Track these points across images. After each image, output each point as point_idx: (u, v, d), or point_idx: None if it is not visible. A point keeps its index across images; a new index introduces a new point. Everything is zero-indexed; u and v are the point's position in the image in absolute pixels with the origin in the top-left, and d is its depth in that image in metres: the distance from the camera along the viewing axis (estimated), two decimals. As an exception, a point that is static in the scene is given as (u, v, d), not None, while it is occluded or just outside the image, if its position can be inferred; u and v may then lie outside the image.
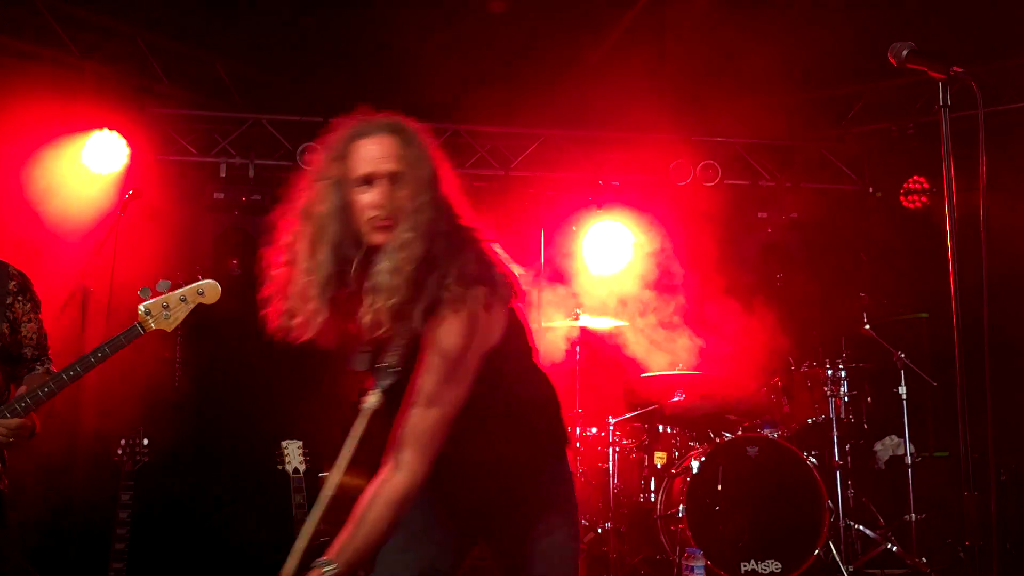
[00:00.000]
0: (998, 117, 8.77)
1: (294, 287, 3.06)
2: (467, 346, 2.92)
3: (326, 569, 2.83)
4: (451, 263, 2.95)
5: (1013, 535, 7.60)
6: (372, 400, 2.94)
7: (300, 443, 5.87)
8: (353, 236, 3.01)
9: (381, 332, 2.95)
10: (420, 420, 2.91)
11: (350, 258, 3.01)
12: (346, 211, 3.00)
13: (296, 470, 5.75)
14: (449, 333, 2.90)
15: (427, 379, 2.91)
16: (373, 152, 3.03)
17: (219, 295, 4.44)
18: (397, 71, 8.77)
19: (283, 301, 3.10)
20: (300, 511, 5.59)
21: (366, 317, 2.94)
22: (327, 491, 2.89)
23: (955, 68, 2.82)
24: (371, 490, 2.95)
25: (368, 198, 2.98)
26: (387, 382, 2.97)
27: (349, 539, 2.90)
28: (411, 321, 2.92)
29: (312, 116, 9.23)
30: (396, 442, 2.93)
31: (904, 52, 2.95)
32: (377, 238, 2.97)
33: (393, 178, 3.00)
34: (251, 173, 9.20)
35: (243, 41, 8.56)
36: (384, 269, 2.90)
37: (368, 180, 3.00)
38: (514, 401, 3.15)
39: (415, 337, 2.94)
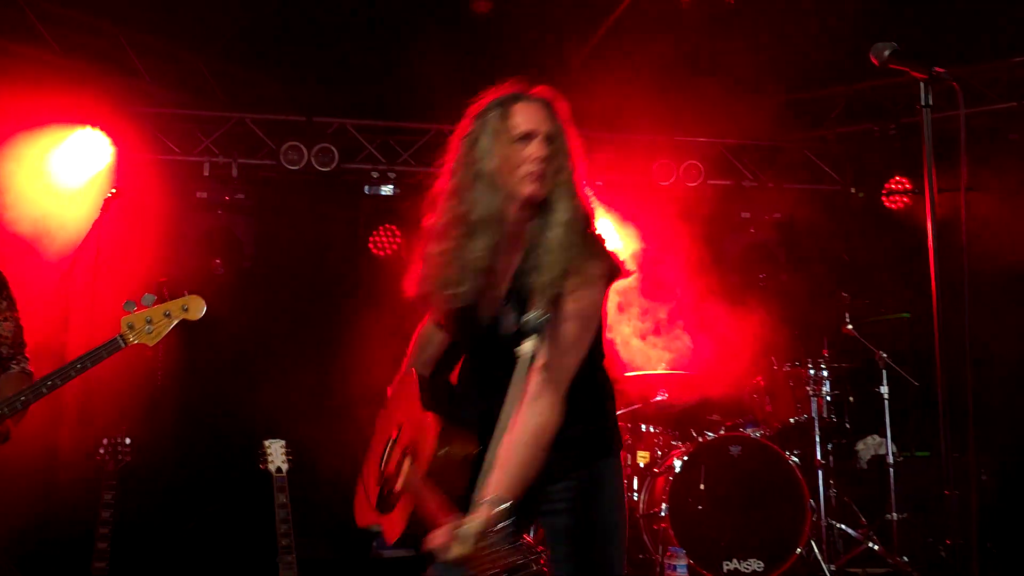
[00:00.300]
0: (980, 118, 8.82)
1: (458, 241, 3.30)
2: (599, 307, 3.29)
3: (501, 506, 2.91)
4: (589, 232, 3.30)
5: (994, 534, 7.63)
6: (529, 346, 3.05)
7: (283, 442, 5.84)
8: (505, 190, 3.25)
9: (550, 291, 3.17)
10: (560, 365, 3.18)
11: (503, 213, 3.25)
12: (501, 165, 3.25)
13: (279, 469, 5.72)
14: (591, 296, 3.23)
15: (568, 330, 3.19)
16: (533, 113, 3.31)
17: (204, 310, 4.44)
18: (381, 70, 8.77)
19: (444, 254, 3.34)
20: (282, 510, 5.57)
21: (542, 277, 3.17)
22: (499, 431, 2.98)
23: (937, 68, 2.83)
24: (517, 430, 3.09)
25: (528, 150, 3.23)
26: (539, 332, 3.11)
27: (505, 478, 3.01)
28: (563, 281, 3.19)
29: (295, 115, 9.21)
30: (536, 385, 3.15)
31: (886, 52, 2.96)
32: (529, 189, 3.22)
33: (549, 139, 3.27)
34: (234, 172, 9.18)
35: (226, 39, 8.53)
36: (557, 235, 3.20)
37: (527, 137, 3.25)
38: (599, 358, 3.49)
39: (558, 294, 3.18)
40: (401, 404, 3.63)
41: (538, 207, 3.27)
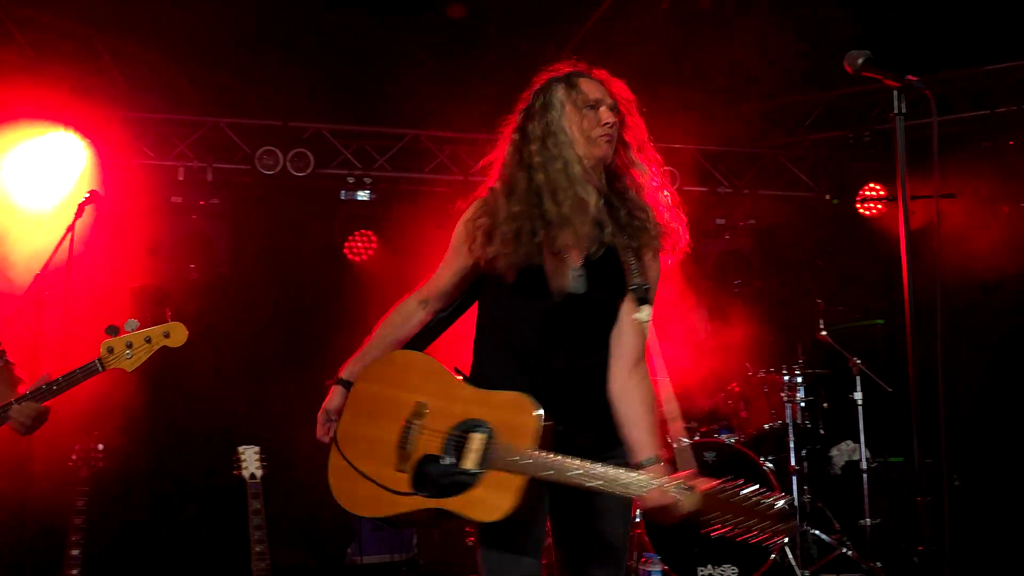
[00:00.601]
0: (953, 126, 8.88)
1: (531, 204, 3.43)
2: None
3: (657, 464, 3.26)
4: (655, 201, 3.57)
5: (967, 540, 7.68)
6: (645, 313, 3.40)
7: (257, 448, 5.83)
8: (578, 153, 3.44)
9: (638, 256, 3.44)
10: (646, 334, 3.47)
11: (575, 176, 3.40)
12: (574, 129, 3.46)
13: (253, 475, 5.71)
14: (659, 267, 3.55)
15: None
16: (597, 86, 3.55)
17: (185, 338, 4.44)
18: (357, 75, 8.75)
19: (516, 217, 3.42)
20: (256, 516, 5.55)
21: (632, 242, 3.43)
22: (617, 393, 3.39)
23: (909, 77, 2.85)
24: (642, 394, 3.42)
25: (599, 114, 3.46)
26: (649, 300, 3.46)
27: (652, 439, 3.32)
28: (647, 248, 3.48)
29: (271, 120, 9.18)
30: (638, 350, 3.45)
31: (860, 60, 2.99)
32: (602, 150, 3.46)
33: (614, 108, 3.51)
34: (209, 177, 9.14)
35: (201, 44, 8.48)
36: (633, 200, 3.49)
37: (596, 104, 3.48)
38: None
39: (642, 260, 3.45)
40: (407, 384, 3.55)
41: (607, 172, 3.51)
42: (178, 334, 4.44)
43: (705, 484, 3.06)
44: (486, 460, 3.28)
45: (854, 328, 8.21)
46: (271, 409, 8.63)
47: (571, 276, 3.40)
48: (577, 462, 3.18)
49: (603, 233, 3.43)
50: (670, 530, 6.94)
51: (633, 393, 3.41)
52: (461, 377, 3.53)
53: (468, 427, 3.35)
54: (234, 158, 9.21)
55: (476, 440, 3.31)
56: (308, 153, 9.03)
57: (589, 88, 3.53)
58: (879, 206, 9.50)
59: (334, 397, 3.67)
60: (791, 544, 7.33)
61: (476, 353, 3.63)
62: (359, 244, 9.65)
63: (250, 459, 5.79)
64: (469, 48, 8.56)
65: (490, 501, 3.21)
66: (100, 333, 4.32)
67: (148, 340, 4.38)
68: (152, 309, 6.97)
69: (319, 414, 3.66)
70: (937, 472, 3.01)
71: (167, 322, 4.42)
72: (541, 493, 3.38)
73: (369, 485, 3.43)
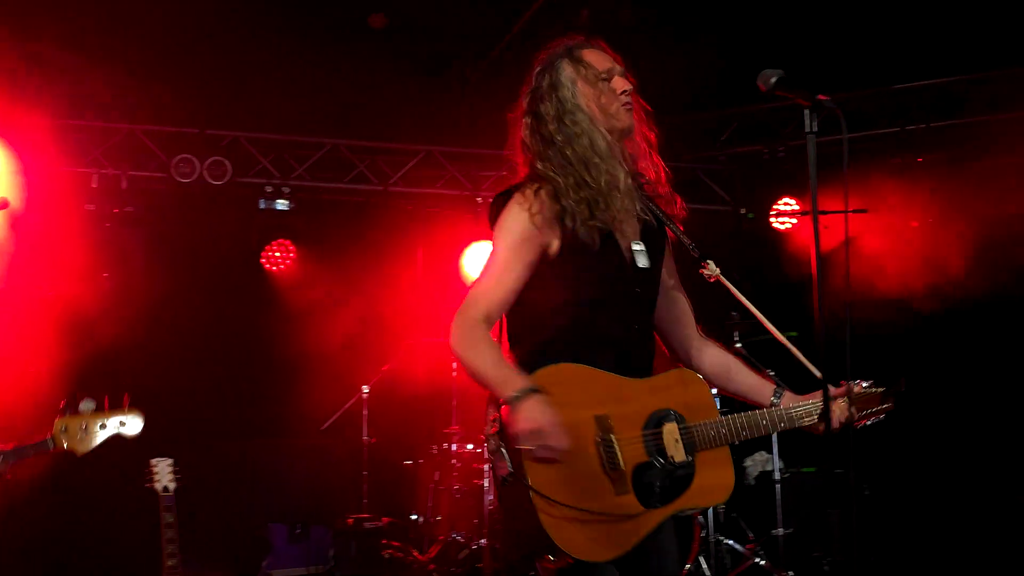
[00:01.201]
0: (865, 142, 9.07)
1: (588, 185, 3.30)
2: None
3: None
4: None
5: (878, 549, 7.83)
6: (713, 266, 3.50)
7: (170, 461, 5.74)
8: (602, 126, 3.39)
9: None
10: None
11: (605, 148, 3.35)
12: (591, 104, 3.39)
13: (166, 488, 5.61)
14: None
15: None
16: (604, 55, 3.50)
17: (140, 429, 4.35)
18: (276, 84, 8.68)
19: (579, 201, 3.28)
20: (169, 530, 5.46)
21: (668, 208, 3.48)
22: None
23: (821, 96, 2.91)
24: (716, 345, 3.65)
25: (616, 83, 3.42)
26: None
27: (758, 375, 3.58)
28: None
29: (188, 127, 9.07)
30: (693, 313, 3.60)
31: (773, 80, 3.04)
32: (624, 121, 3.41)
33: (625, 74, 3.48)
34: (124, 184, 8.99)
35: (117, 48, 8.35)
36: (659, 171, 3.51)
37: (608, 75, 3.43)
38: None
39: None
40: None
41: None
42: (135, 425, 4.34)
43: (847, 390, 3.29)
44: (691, 445, 3.22)
45: (768, 341, 8.32)
46: (185, 421, 8.51)
47: (627, 249, 3.36)
48: (755, 413, 3.32)
49: (639, 207, 3.41)
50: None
51: (714, 347, 3.62)
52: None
53: (656, 421, 3.23)
54: (150, 165, 9.09)
55: (672, 431, 3.22)
56: (225, 161, 8.94)
57: (596, 59, 3.46)
58: (793, 220, 9.66)
59: (546, 407, 2.99)
60: (704, 554, 7.40)
61: (535, 342, 3.28)
62: (277, 254, 9.56)
63: (163, 471, 5.69)
64: (389, 57, 8.54)
65: (716, 482, 3.22)
66: (13, 344, 4.24)
67: (103, 426, 4.28)
68: (101, 380, 6.86)
69: (542, 433, 2.95)
70: (848, 482, 3.08)
71: (125, 409, 4.30)
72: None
73: (602, 523, 3.05)
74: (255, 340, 9.13)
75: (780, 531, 7.72)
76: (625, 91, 3.40)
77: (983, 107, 8.90)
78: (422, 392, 8.28)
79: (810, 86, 3.06)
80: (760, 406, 3.40)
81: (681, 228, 3.47)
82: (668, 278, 3.54)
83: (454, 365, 8.20)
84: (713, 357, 3.60)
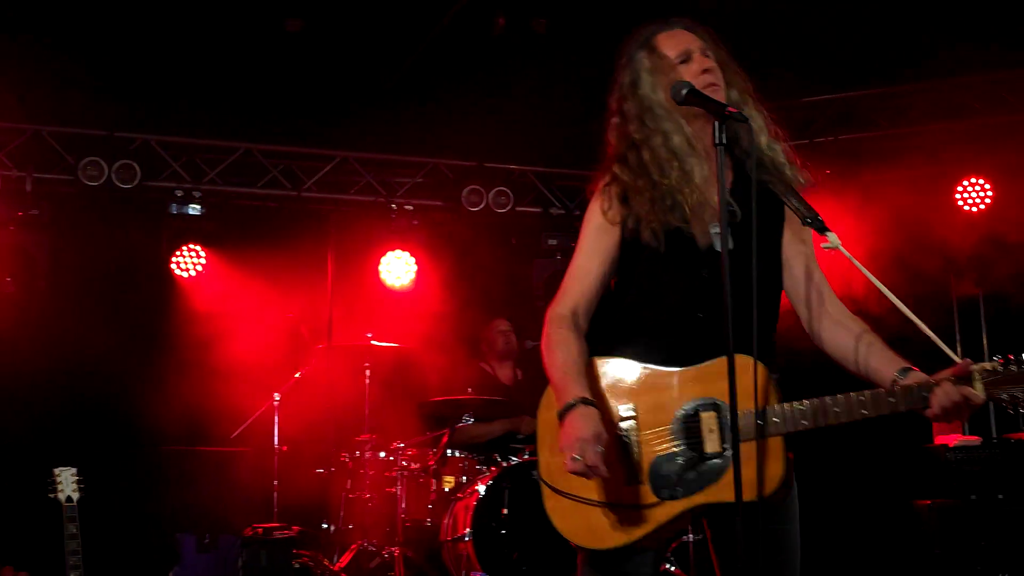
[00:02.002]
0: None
1: (672, 175, 3.22)
2: None
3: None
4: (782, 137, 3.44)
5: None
6: (834, 238, 3.19)
7: (74, 470, 5.63)
8: (684, 115, 3.23)
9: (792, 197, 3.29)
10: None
11: (691, 137, 3.25)
12: (667, 98, 3.21)
13: (69, 498, 5.51)
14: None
15: None
16: (679, 36, 3.32)
17: None
18: (188, 85, 8.58)
19: (654, 199, 3.22)
20: (72, 541, 5.36)
21: (785, 176, 3.32)
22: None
23: (730, 109, 2.97)
24: (854, 320, 3.30)
25: (695, 66, 3.24)
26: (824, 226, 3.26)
27: (890, 349, 3.20)
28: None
29: (96, 129, 8.90)
30: (828, 286, 3.35)
31: (683, 92, 3.09)
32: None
33: (704, 52, 3.29)
34: (28, 187, 8.80)
35: (23, 46, 8.18)
36: (765, 145, 3.31)
37: (686, 57, 3.26)
38: None
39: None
40: (595, 393, 3.13)
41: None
42: None
43: (979, 366, 2.97)
44: (728, 436, 3.04)
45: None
46: (90, 429, 8.37)
47: (711, 236, 3.20)
48: (828, 400, 3.00)
49: (736, 188, 3.25)
50: (498, 548, 6.98)
51: (847, 321, 3.27)
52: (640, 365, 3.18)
53: (693, 410, 3.10)
54: (56, 168, 8.90)
55: (709, 420, 3.06)
56: (135, 165, 8.79)
57: (670, 44, 3.30)
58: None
59: (590, 420, 2.98)
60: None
61: (618, 332, 3.27)
62: (187, 259, 9.43)
63: (66, 481, 5.59)
64: (304, 61, 8.49)
65: (755, 476, 2.94)
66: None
67: None
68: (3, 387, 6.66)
69: (579, 445, 2.92)
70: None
71: None
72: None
73: (606, 512, 3.09)
74: (163, 346, 9.00)
75: (690, 537, 7.79)
76: (706, 69, 3.23)
77: (888, 121, 9.13)
78: (334, 400, 8.24)
79: (718, 101, 3.12)
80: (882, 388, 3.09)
81: (801, 198, 3.28)
82: (786, 252, 3.34)
83: (367, 371, 8.17)
84: (835, 336, 3.28)
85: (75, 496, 5.56)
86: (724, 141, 2.98)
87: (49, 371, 8.41)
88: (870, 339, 3.22)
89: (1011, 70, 8.59)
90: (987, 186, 8.93)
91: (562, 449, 2.97)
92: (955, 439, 7.65)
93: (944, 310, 9.15)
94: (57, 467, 5.66)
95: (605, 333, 3.29)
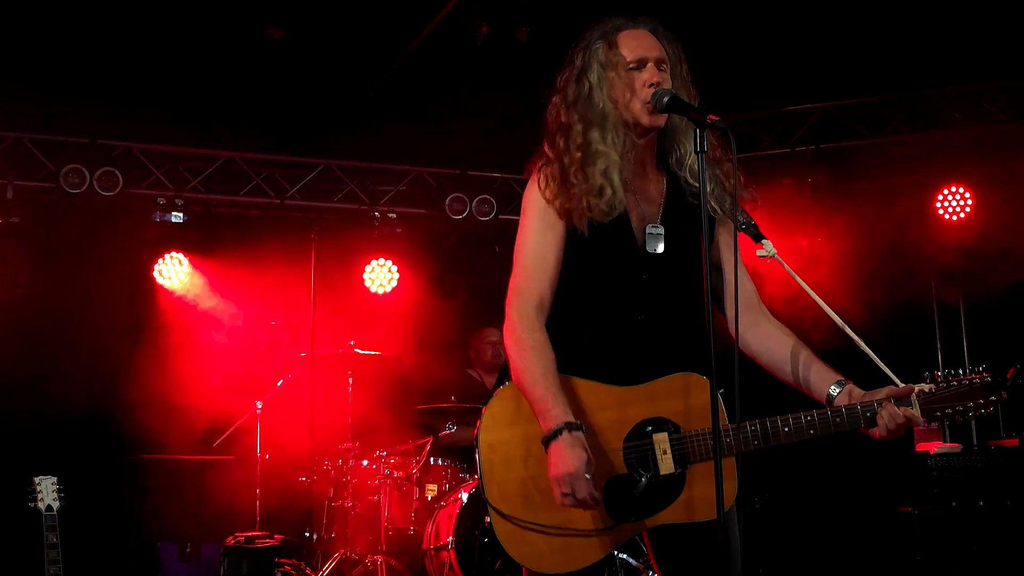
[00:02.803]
0: (756, 162, 9.25)
1: (585, 171, 3.18)
2: None
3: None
4: (721, 153, 3.33)
5: (766, 560, 7.98)
6: (769, 246, 3.19)
7: (55, 479, 5.61)
8: (624, 120, 3.20)
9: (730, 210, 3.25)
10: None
11: (625, 143, 3.21)
12: (617, 96, 3.19)
13: (50, 507, 5.48)
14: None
15: None
16: (640, 39, 3.23)
17: None
18: (169, 94, 8.56)
19: (572, 187, 3.19)
20: (53, 551, 5.33)
21: (716, 202, 3.24)
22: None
23: (712, 116, 2.96)
24: (782, 330, 3.31)
25: (645, 76, 3.17)
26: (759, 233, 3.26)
27: (823, 363, 3.19)
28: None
29: (78, 137, 8.87)
30: (758, 295, 3.36)
31: (665, 99, 3.10)
32: (640, 116, 3.17)
33: (660, 64, 3.20)
34: (9, 194, 8.76)
35: (6, 54, 8.15)
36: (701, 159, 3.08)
37: (640, 64, 3.19)
38: None
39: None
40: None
41: (664, 130, 3.26)
42: None
43: (917, 388, 3.01)
44: (684, 457, 3.04)
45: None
46: (72, 438, 8.32)
47: (649, 234, 3.21)
48: (779, 419, 3.01)
49: (672, 196, 3.26)
50: (481, 556, 6.97)
51: (779, 332, 3.28)
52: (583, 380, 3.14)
53: (645, 431, 3.07)
54: (37, 175, 8.86)
55: (661, 441, 3.04)
56: (117, 172, 8.76)
57: (630, 46, 3.21)
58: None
59: (577, 449, 2.93)
60: (610, 568, 7.44)
61: (558, 336, 3.20)
62: (169, 267, 9.40)
63: (47, 490, 5.56)
64: (287, 69, 8.49)
65: (710, 496, 2.84)
66: None
67: None
68: None
69: (568, 481, 2.91)
70: (739, 494, 3.11)
71: None
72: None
73: (562, 538, 3.04)
74: (146, 354, 8.96)
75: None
76: (653, 83, 3.14)
77: (867, 130, 9.18)
78: (317, 408, 8.21)
79: (702, 106, 3.13)
80: (816, 401, 3.12)
81: (742, 207, 3.23)
82: (716, 258, 3.31)
83: (350, 379, 8.16)
84: (766, 345, 3.28)
85: (56, 505, 5.54)
86: (706, 149, 2.99)
87: (30, 379, 8.37)
88: (801, 350, 3.23)
89: (989, 80, 8.66)
90: (967, 195, 8.98)
91: (553, 480, 2.94)
92: (935, 446, 7.68)
93: (925, 319, 9.19)
94: (37, 476, 5.63)
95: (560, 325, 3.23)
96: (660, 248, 3.20)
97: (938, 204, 9.04)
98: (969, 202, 8.98)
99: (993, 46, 7.99)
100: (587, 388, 3.13)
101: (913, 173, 9.09)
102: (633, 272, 3.19)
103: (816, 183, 9.14)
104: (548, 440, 2.96)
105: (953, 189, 9.02)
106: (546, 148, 3.31)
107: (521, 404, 3.12)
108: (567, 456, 2.91)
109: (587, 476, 2.89)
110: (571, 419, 2.97)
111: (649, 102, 3.13)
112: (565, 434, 2.94)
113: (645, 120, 3.17)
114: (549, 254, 3.24)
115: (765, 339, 3.29)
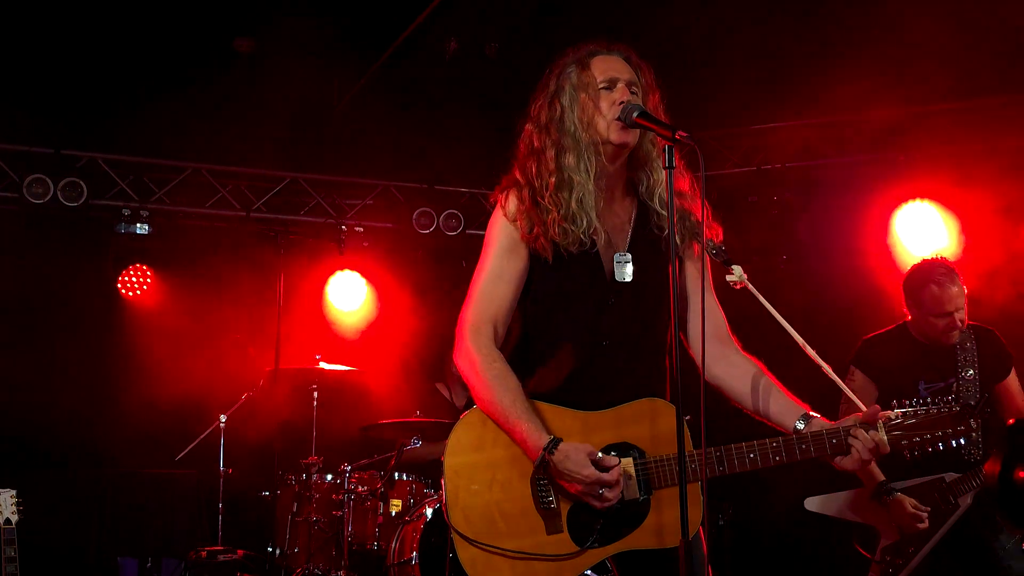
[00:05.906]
0: (723, 180, 9.29)
1: (559, 197, 3.21)
2: None
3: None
4: (690, 179, 3.41)
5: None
6: (739, 272, 3.23)
7: (13, 492, 5.55)
8: (594, 140, 3.24)
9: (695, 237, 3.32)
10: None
11: (594, 163, 3.25)
12: (588, 116, 3.24)
13: (8, 521, 5.42)
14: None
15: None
16: (612, 63, 3.30)
17: None
18: (136, 104, 8.51)
19: (544, 213, 3.23)
20: (11, 565, 5.27)
21: (682, 225, 3.30)
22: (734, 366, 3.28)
23: (680, 132, 2.98)
24: (749, 361, 3.34)
25: (615, 95, 3.22)
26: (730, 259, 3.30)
27: (789, 396, 3.21)
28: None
29: (42, 147, 8.80)
30: (726, 324, 3.39)
31: (634, 114, 3.12)
32: (610, 134, 3.21)
33: (630, 86, 3.26)
34: (-29, 205, 8.68)
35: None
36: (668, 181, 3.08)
37: (611, 84, 3.25)
38: None
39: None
40: (504, 439, 3.15)
41: (633, 152, 3.31)
42: None
43: (883, 414, 3.02)
44: (648, 482, 3.05)
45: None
46: (30, 450, 8.24)
47: (617, 262, 3.25)
48: (744, 445, 3.03)
49: (640, 221, 3.32)
50: (447, 572, 6.94)
51: (745, 363, 3.30)
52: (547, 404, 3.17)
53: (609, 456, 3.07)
54: (0, 185, 8.78)
55: (627, 466, 3.05)
56: (81, 183, 8.69)
57: (601, 68, 3.28)
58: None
59: (578, 461, 2.99)
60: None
61: (520, 358, 3.28)
62: (133, 279, 9.33)
63: (5, 503, 5.50)
64: (255, 81, 8.46)
65: (676, 521, 2.86)
66: None
67: None
68: None
69: (589, 490, 2.98)
70: (706, 509, 3.12)
71: None
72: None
73: (526, 564, 3.04)
74: (109, 366, 8.89)
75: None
76: (623, 102, 3.20)
77: (833, 149, 9.21)
78: (281, 421, 8.17)
79: (668, 123, 3.14)
80: (784, 432, 3.13)
81: (709, 236, 3.23)
82: (687, 288, 3.37)
83: (315, 393, 8.12)
84: (731, 376, 3.31)
85: (14, 519, 5.47)
86: (674, 165, 3.00)
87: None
88: (770, 385, 3.26)
89: (954, 102, 8.70)
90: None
91: (579, 495, 3.00)
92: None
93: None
94: (-5, 489, 5.57)
95: (509, 357, 3.26)
96: (628, 276, 3.24)
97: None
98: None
99: (960, 70, 8.05)
100: (553, 412, 3.15)
101: (877, 192, 9.11)
102: (599, 298, 3.23)
103: (782, 200, 9.18)
104: (542, 469, 3.03)
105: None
106: (517, 173, 3.35)
107: (486, 429, 3.15)
108: (571, 471, 2.98)
109: (597, 456, 2.99)
110: (547, 439, 3.02)
111: (619, 118, 3.16)
112: (556, 454, 3.00)
113: (615, 137, 3.21)
114: (509, 280, 3.28)
115: (732, 371, 3.32)
